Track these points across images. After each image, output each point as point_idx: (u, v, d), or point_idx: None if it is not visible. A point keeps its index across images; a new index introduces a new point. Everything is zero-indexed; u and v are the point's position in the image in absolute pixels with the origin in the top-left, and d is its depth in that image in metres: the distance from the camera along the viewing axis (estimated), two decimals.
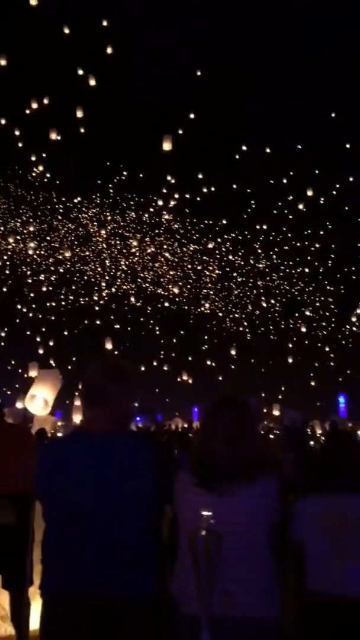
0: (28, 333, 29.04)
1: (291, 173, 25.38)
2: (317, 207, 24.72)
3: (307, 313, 31.24)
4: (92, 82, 15.78)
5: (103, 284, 31.49)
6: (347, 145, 23.62)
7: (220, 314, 33.38)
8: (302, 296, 32.44)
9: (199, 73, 18.46)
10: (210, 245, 30.69)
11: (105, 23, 15.82)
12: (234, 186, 25.86)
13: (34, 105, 16.98)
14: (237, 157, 24.25)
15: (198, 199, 25.93)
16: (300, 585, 2.70)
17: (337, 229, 28.70)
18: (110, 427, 2.32)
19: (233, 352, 27.54)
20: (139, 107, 22.53)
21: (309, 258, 30.88)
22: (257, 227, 29.11)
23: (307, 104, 22.75)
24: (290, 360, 29.63)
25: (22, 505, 4.27)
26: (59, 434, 14.90)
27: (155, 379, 29.55)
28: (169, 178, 24.08)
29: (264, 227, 29.10)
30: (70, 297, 31.83)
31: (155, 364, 31.71)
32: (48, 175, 24.85)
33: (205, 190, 24.98)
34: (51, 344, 28.32)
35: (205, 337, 32.98)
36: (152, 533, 2.30)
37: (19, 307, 30.08)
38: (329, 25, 20.98)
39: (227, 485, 2.26)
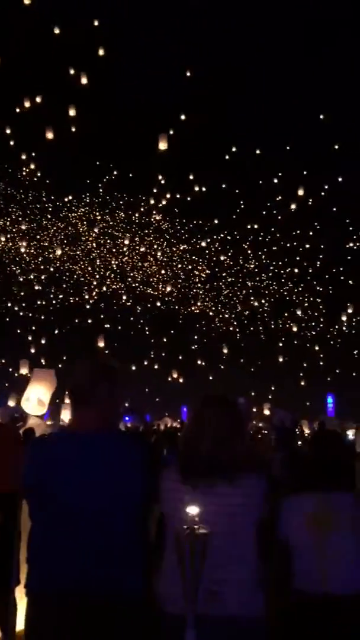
0: (18, 331, 28.93)
1: (280, 174, 25.47)
2: (306, 208, 24.82)
3: (299, 313, 31.35)
4: (84, 81, 15.73)
5: (94, 282, 31.44)
6: (336, 146, 23.74)
7: (211, 313, 33.44)
8: (291, 296, 32.56)
9: (188, 73, 18.48)
10: (199, 245, 30.74)
11: (96, 23, 15.81)
12: (223, 186, 25.90)
13: (26, 104, 16.91)
14: (227, 157, 24.29)
15: (188, 198, 25.95)
16: (286, 584, 2.72)
17: (326, 229, 28.84)
18: (99, 427, 2.31)
19: (225, 351, 27.56)
20: (129, 106, 22.51)
21: (297, 258, 31.00)
22: (247, 227, 29.19)
23: (296, 104, 22.84)
24: (280, 360, 29.73)
25: (8, 504, 4.26)
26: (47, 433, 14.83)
27: (145, 378, 29.54)
28: (160, 178, 24.09)
29: (255, 226, 29.17)
30: (60, 296, 31.74)
31: (145, 363, 31.70)
32: (39, 174, 24.75)
33: (195, 190, 25.01)
34: (43, 341, 28.26)
35: (195, 337, 33.02)
36: (140, 532, 2.30)
37: (9, 305, 29.96)
38: (319, 26, 21.09)
39: (213, 484, 2.26)
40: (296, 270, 31.53)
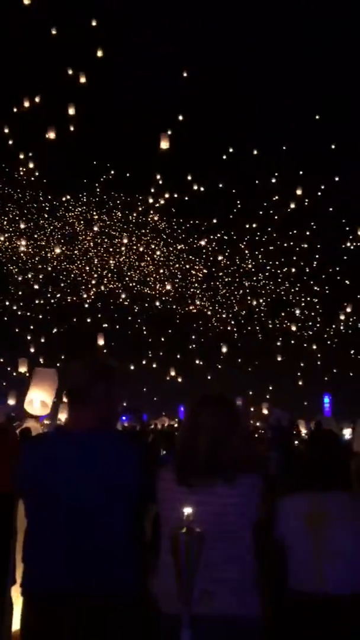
0: (17, 330, 28.90)
1: (276, 174, 25.49)
2: (303, 208, 24.85)
3: (298, 312, 31.38)
4: (82, 80, 15.72)
5: (92, 281, 31.44)
6: (333, 146, 23.77)
7: (209, 313, 33.47)
8: (288, 296, 32.60)
9: (185, 74, 18.49)
10: (196, 245, 30.76)
11: (94, 23, 15.79)
12: (220, 185, 25.91)
13: (24, 104, 16.89)
14: (224, 157, 24.31)
15: (186, 198, 25.96)
16: (282, 584, 2.72)
17: (323, 229, 28.87)
18: (95, 426, 2.30)
19: (224, 350, 27.56)
20: (126, 106, 22.50)
21: (294, 258, 31.04)
22: (244, 227, 29.20)
23: (292, 104, 22.85)
24: (279, 359, 29.76)
25: (6, 504, 4.25)
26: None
27: (143, 377, 29.55)
28: (157, 177, 24.10)
29: (254, 225, 29.18)
30: (58, 295, 31.73)
31: (143, 362, 31.71)
32: (37, 173, 24.72)
33: (192, 190, 25.02)
34: (42, 340, 28.25)
35: (193, 337, 33.03)
36: (135, 532, 2.29)
37: (7, 303, 29.94)
38: (315, 25, 21.11)
39: (208, 483, 2.26)
40: (293, 270, 31.57)
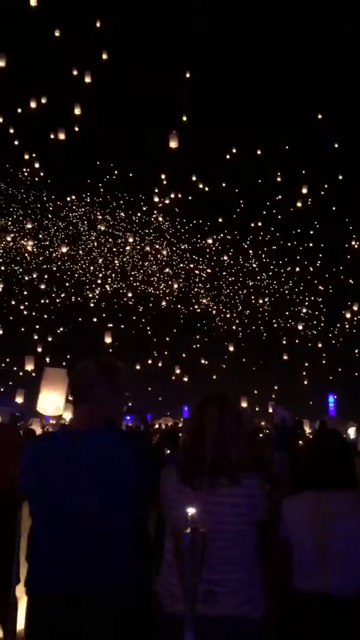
0: (23, 329, 28.99)
1: (279, 173, 25.46)
2: (307, 207, 24.80)
3: (304, 311, 31.33)
4: (87, 79, 15.74)
5: (98, 281, 31.51)
6: (336, 145, 23.72)
7: (214, 312, 33.49)
8: (292, 296, 32.58)
9: (188, 75, 18.50)
10: (200, 245, 30.77)
11: (98, 24, 15.81)
12: (224, 185, 25.89)
13: (30, 104, 16.94)
14: (227, 157, 24.29)
15: (190, 197, 25.96)
16: (286, 583, 2.71)
17: (327, 228, 28.83)
18: (98, 425, 2.30)
19: (231, 349, 27.55)
20: (129, 107, 22.51)
21: (298, 257, 31.01)
22: (247, 227, 29.18)
23: (296, 104, 22.79)
24: (284, 358, 29.72)
25: (9, 503, 4.26)
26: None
27: (148, 377, 29.59)
28: (161, 177, 24.12)
29: (259, 224, 29.16)
30: (62, 295, 31.80)
31: (149, 362, 31.74)
32: (41, 174, 24.77)
33: (196, 190, 25.03)
34: (50, 339, 28.32)
35: (197, 337, 33.05)
36: (139, 532, 2.29)
37: (13, 303, 30.02)
38: (320, 27, 21.06)
39: (212, 483, 2.25)
40: (297, 269, 31.54)
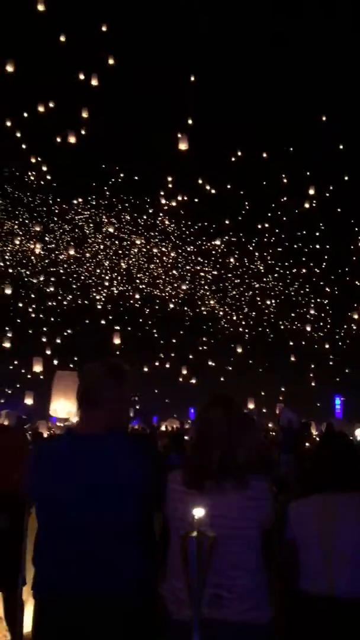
0: (30, 331, 29.07)
1: (284, 175, 25.44)
2: (312, 209, 24.74)
3: (312, 312, 31.25)
4: (94, 82, 15.80)
5: (105, 283, 31.58)
6: (341, 146, 23.68)
7: (221, 313, 33.48)
8: (298, 297, 32.52)
9: (192, 78, 18.54)
10: (205, 247, 30.78)
11: (104, 28, 15.87)
12: (229, 186, 25.89)
13: (38, 109, 17.04)
14: (232, 159, 24.31)
15: (196, 200, 25.97)
16: (291, 586, 2.71)
17: (332, 230, 28.76)
18: (105, 428, 2.31)
19: (239, 350, 27.51)
20: (134, 110, 22.56)
21: (304, 259, 30.96)
22: (253, 229, 29.17)
23: (299, 105, 22.75)
24: (292, 359, 29.65)
25: (14, 507, 4.27)
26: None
27: (155, 379, 29.62)
28: (168, 180, 24.18)
29: (266, 225, 29.13)
30: (69, 297, 31.89)
31: (157, 364, 31.76)
32: (48, 177, 24.87)
33: (201, 192, 25.04)
34: (58, 341, 28.38)
35: (204, 339, 33.04)
36: (143, 535, 2.29)
37: (20, 305, 30.12)
38: (324, 28, 21.04)
39: (218, 487, 2.25)
40: (303, 271, 31.48)
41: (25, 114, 19.46)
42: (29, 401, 19.33)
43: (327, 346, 32.01)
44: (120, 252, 31.29)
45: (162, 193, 25.24)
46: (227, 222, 28.55)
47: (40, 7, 12.26)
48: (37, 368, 19.64)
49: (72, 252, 27.86)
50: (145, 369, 30.32)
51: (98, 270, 31.74)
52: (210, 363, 31.86)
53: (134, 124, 23.01)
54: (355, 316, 28.83)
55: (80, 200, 29.63)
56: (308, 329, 30.10)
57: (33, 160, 22.29)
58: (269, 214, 28.78)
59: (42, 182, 26.49)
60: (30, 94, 18.01)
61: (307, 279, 31.73)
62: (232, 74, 21.72)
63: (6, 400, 25.53)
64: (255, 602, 2.24)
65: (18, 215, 29.40)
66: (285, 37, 21.39)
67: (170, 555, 2.30)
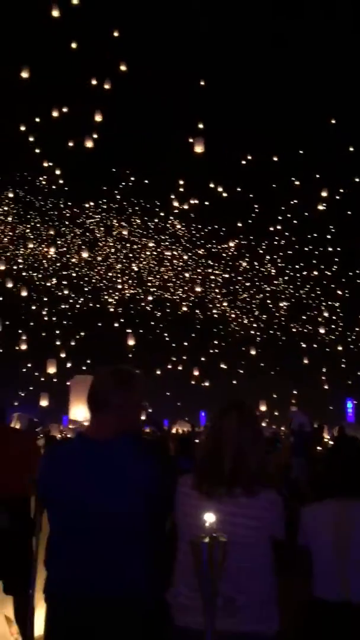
0: (44, 334, 29.21)
1: (294, 178, 25.37)
2: (322, 211, 24.65)
3: (325, 314, 31.07)
4: (107, 86, 15.89)
5: (119, 286, 31.66)
6: (351, 149, 23.58)
7: (233, 315, 33.44)
8: (309, 300, 32.39)
9: (202, 82, 18.58)
10: (216, 250, 30.77)
11: (116, 34, 15.96)
12: (238, 189, 25.87)
13: (52, 113, 17.17)
14: (243, 162, 24.29)
15: (206, 203, 25.97)
16: (305, 592, 2.69)
17: (343, 232, 28.62)
18: (113, 433, 2.32)
19: (253, 352, 27.47)
20: (145, 114, 22.63)
21: (314, 262, 30.84)
22: (263, 231, 29.10)
23: (310, 109, 22.68)
24: (305, 361, 29.50)
25: (20, 507, 4.28)
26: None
27: (167, 382, 29.63)
28: (180, 183, 24.23)
29: (278, 227, 29.06)
30: (81, 300, 32.01)
31: (169, 367, 31.76)
32: (61, 181, 24.99)
33: (212, 195, 25.05)
34: (72, 343, 28.49)
35: (215, 342, 33.01)
36: (152, 539, 2.29)
37: (33, 308, 30.27)
38: (331, 30, 20.94)
39: (229, 493, 2.24)
40: (315, 273, 31.36)
41: (38, 119, 19.59)
42: (44, 403, 19.39)
43: (339, 348, 31.82)
44: (131, 255, 31.36)
45: (172, 196, 25.29)
46: (237, 225, 28.51)
47: (55, 13, 12.41)
48: (52, 369, 19.70)
49: (85, 254, 27.89)
50: (158, 372, 30.36)
51: (110, 274, 31.82)
52: (222, 366, 31.80)
53: (144, 128, 23.08)
54: None
55: (91, 204, 29.75)
56: (322, 331, 29.94)
57: (45, 165, 22.41)
58: (280, 217, 28.72)
59: (53, 187, 26.62)
60: (43, 99, 18.14)
61: (319, 281, 31.58)
62: (241, 77, 21.73)
63: (20, 402, 25.67)
64: (263, 613, 2.21)
65: (30, 219, 29.58)
66: (288, 38, 21.39)
67: (178, 560, 2.29)
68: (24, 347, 23.21)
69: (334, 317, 32.25)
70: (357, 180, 25.19)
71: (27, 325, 28.58)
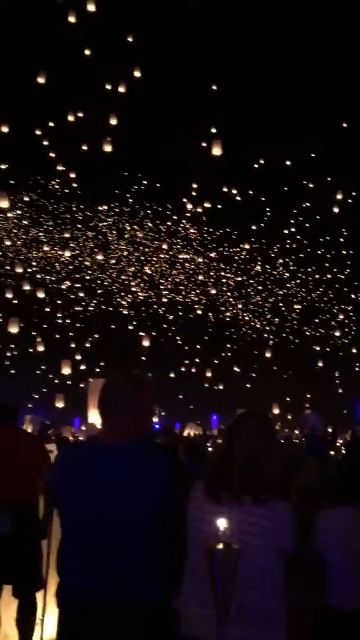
0: (58, 336, 29.35)
1: (305, 182, 25.29)
2: (334, 214, 24.54)
3: (340, 317, 30.88)
4: (122, 89, 15.97)
5: (133, 289, 31.76)
6: None
7: (246, 318, 33.38)
8: (321, 303, 32.25)
9: (214, 87, 18.60)
10: (228, 253, 30.75)
11: (130, 39, 16.07)
12: (250, 192, 25.86)
13: (67, 118, 17.29)
14: (255, 166, 24.27)
15: (219, 206, 25.98)
16: (319, 600, 2.67)
17: (355, 235, 28.48)
18: (122, 439, 2.32)
19: (268, 355, 27.43)
20: (156, 118, 22.70)
21: (327, 265, 30.72)
22: (276, 234, 29.04)
23: (321, 113, 22.62)
24: (320, 364, 29.37)
25: (23, 514, 4.29)
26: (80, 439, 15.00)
27: (180, 385, 29.64)
28: (193, 187, 24.27)
29: (292, 230, 29.00)
30: (94, 302, 32.13)
31: (182, 369, 31.78)
32: (75, 185, 25.14)
33: (225, 199, 25.05)
34: (87, 345, 28.60)
35: (228, 345, 32.97)
36: (163, 545, 2.29)
37: (47, 310, 30.45)
38: (340, 32, 20.88)
39: (240, 502, 2.23)
40: (327, 277, 31.22)
41: (52, 124, 19.71)
42: (59, 404, 19.43)
43: (353, 351, 31.64)
44: (143, 258, 31.43)
45: (184, 200, 25.32)
46: (250, 228, 28.47)
47: (72, 19, 12.56)
48: (66, 371, 19.73)
49: (100, 256, 27.98)
50: (172, 375, 30.37)
51: (123, 277, 31.92)
52: (235, 369, 31.75)
53: (157, 132, 23.16)
54: None
55: (104, 207, 29.88)
56: (337, 334, 29.77)
57: (59, 169, 22.56)
58: (292, 220, 28.64)
59: (66, 190, 26.77)
60: (58, 104, 18.27)
61: (331, 284, 31.44)
62: (253, 81, 21.74)
63: (33, 405, 25.81)
64: (274, 622, 2.20)
65: (42, 222, 29.77)
66: (299, 40, 21.36)
67: (187, 568, 2.28)
68: (40, 348, 23.28)
69: (346, 321, 32.07)
70: None
71: (41, 327, 28.75)
